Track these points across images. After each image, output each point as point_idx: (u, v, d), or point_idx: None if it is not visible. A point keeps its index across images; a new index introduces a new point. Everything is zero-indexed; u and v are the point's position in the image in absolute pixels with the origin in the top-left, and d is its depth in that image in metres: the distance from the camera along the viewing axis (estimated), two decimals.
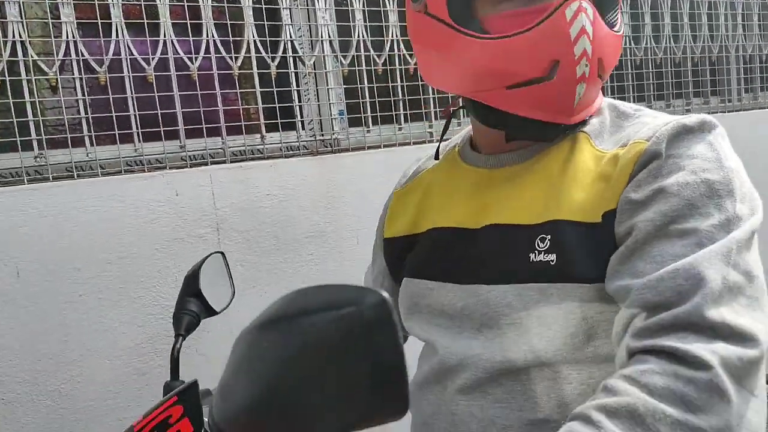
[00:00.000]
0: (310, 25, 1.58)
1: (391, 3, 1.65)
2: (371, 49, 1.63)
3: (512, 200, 0.72)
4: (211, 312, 1.00)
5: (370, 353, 0.45)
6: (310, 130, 1.61)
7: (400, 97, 1.70)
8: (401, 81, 1.69)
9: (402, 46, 1.67)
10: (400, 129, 1.72)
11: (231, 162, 1.47)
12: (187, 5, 1.40)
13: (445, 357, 0.74)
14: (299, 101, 1.58)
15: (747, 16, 2.37)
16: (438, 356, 0.75)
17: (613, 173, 0.65)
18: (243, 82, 1.51)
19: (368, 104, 1.65)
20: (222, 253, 1.05)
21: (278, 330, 0.47)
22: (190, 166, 1.41)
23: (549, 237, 0.67)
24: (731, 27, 2.32)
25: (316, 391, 0.46)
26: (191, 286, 0.97)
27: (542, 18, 0.64)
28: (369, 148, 1.65)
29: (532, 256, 0.67)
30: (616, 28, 0.70)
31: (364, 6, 1.61)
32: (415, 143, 1.72)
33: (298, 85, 1.58)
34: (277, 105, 1.51)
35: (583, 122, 0.72)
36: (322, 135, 1.62)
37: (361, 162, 1.60)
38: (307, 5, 1.57)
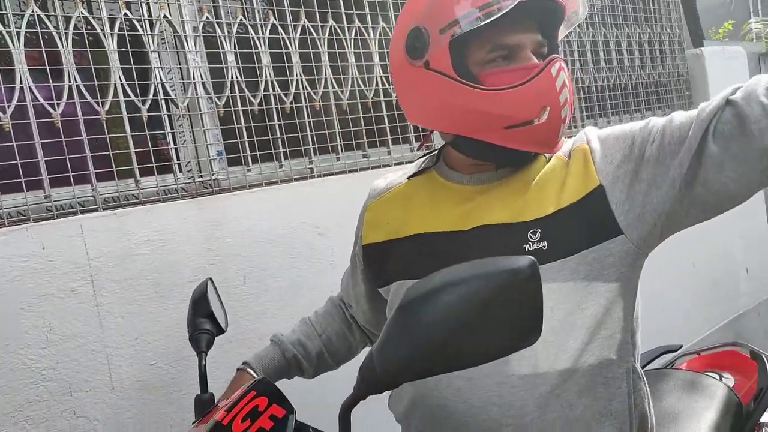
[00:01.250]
0: (181, 68, 1.57)
1: (262, 44, 1.69)
2: (246, 89, 1.65)
3: (496, 206, 0.89)
4: (219, 330, 1.08)
5: (523, 300, 0.60)
6: (188, 172, 1.59)
7: (278, 135, 1.73)
8: (278, 119, 1.72)
9: (277, 86, 1.71)
10: (281, 166, 1.74)
11: (103, 209, 1.40)
12: (46, 50, 1.34)
13: None
14: (174, 144, 1.56)
15: (582, 52, 2.70)
16: None
17: (568, 171, 0.87)
18: (112, 127, 1.46)
19: (247, 143, 1.66)
20: (211, 279, 1.14)
21: (445, 293, 0.61)
22: (58, 217, 1.33)
23: (539, 230, 0.85)
24: (570, 62, 2.63)
25: (477, 333, 0.60)
26: (202, 308, 1.07)
27: (534, 74, 0.83)
28: (251, 186, 1.66)
29: (526, 246, 0.84)
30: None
31: (235, 48, 1.63)
32: (296, 179, 1.75)
33: (172, 128, 1.56)
34: (150, 148, 1.48)
35: None
36: (201, 176, 1.60)
37: (243, 201, 1.60)
38: (177, 48, 1.56)
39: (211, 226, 1.52)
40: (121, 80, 1.43)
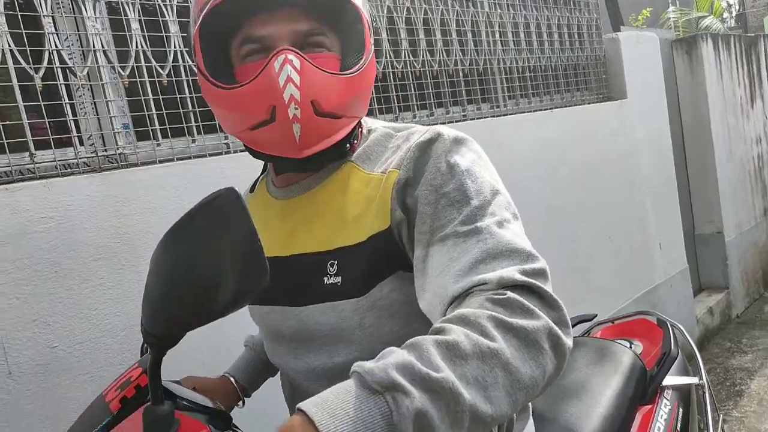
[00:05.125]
0: (79, 35, 1.48)
1: (170, 12, 1.62)
2: (153, 59, 1.58)
3: (307, 230, 0.84)
4: None
5: (230, 233, 0.59)
6: (91, 145, 1.50)
7: (190, 108, 1.66)
8: (190, 92, 1.66)
9: (186, 57, 1.64)
10: (193, 141, 1.68)
11: None
12: None
13: (295, 379, 0.88)
14: (74, 115, 1.47)
15: (503, 33, 2.75)
16: (290, 378, 0.89)
17: (376, 196, 0.78)
18: (2, 96, 1.36)
19: (155, 117, 1.59)
20: None
21: (171, 238, 0.62)
22: None
23: (336, 262, 0.79)
24: (492, 43, 2.68)
25: (204, 275, 0.60)
26: None
27: (260, 70, 0.76)
28: (161, 161, 1.59)
29: (325, 279, 0.80)
30: (352, 70, 0.80)
31: (140, 15, 1.55)
32: (211, 155, 1.69)
33: (71, 98, 1.47)
34: (46, 120, 1.39)
35: (346, 152, 0.84)
36: (105, 150, 1.52)
37: (153, 176, 1.53)
38: (74, 13, 1.47)
39: (117, 203, 1.45)
40: (9, 46, 1.33)
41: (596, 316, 1.78)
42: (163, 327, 0.64)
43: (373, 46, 0.84)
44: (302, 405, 0.53)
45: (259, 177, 1.02)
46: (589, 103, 3.16)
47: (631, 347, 1.51)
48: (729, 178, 4.24)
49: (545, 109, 2.89)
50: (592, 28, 3.26)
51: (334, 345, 0.81)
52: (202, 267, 0.60)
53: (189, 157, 1.65)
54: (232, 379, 1.08)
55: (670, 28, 6.62)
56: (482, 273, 0.66)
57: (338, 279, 0.79)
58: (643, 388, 1.37)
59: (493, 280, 0.64)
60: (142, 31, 1.56)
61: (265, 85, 0.75)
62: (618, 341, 1.53)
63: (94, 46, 1.47)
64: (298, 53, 0.76)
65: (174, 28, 1.62)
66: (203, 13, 0.77)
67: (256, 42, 0.78)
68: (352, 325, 0.79)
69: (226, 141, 1.76)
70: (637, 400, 1.35)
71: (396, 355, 0.56)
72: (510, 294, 0.62)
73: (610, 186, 3.13)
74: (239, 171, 1.68)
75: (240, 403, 1.08)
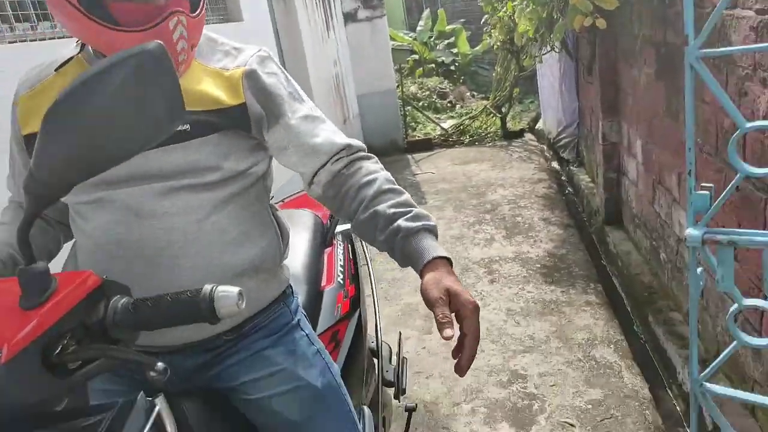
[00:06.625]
0: None
1: None
2: None
3: None
4: None
5: (160, 78, 0.65)
6: None
7: None
8: None
9: None
10: None
11: None
12: None
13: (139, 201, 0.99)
14: None
15: None
16: (130, 208, 0.99)
17: (221, 83, 1.00)
18: None
19: None
20: None
21: (84, 85, 0.62)
22: None
23: (186, 127, 0.95)
24: None
25: (128, 120, 0.64)
26: None
27: (156, 22, 0.89)
28: None
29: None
30: (202, 11, 0.99)
31: None
32: None
33: None
34: None
35: None
36: None
37: None
38: None
39: None
40: None
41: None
42: (59, 176, 0.64)
43: None
44: (437, 255, 0.93)
45: (69, 58, 1.02)
46: (213, 23, 3.39)
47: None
48: (319, 94, 5.15)
49: None
50: None
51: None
52: (119, 111, 0.62)
53: None
54: None
55: None
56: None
57: (186, 126, 0.96)
58: (323, 236, 1.86)
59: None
60: None
61: (161, 37, 0.85)
62: (300, 210, 1.97)
63: None
64: (187, 14, 0.91)
65: None
66: None
67: None
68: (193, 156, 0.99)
69: None
70: (323, 246, 1.83)
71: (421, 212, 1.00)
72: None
73: None
74: None
75: None
